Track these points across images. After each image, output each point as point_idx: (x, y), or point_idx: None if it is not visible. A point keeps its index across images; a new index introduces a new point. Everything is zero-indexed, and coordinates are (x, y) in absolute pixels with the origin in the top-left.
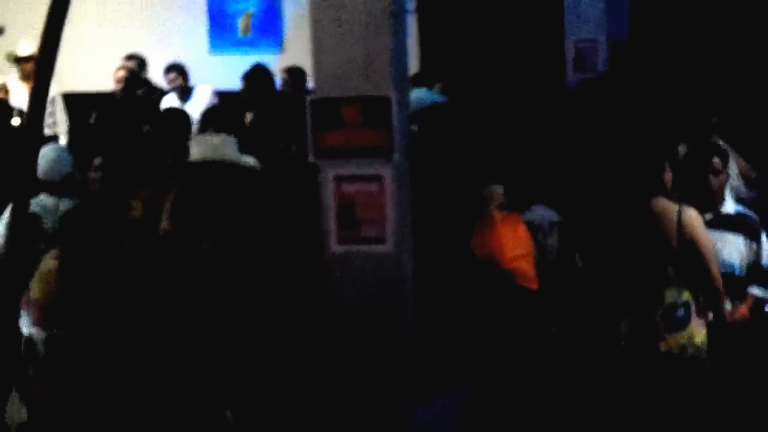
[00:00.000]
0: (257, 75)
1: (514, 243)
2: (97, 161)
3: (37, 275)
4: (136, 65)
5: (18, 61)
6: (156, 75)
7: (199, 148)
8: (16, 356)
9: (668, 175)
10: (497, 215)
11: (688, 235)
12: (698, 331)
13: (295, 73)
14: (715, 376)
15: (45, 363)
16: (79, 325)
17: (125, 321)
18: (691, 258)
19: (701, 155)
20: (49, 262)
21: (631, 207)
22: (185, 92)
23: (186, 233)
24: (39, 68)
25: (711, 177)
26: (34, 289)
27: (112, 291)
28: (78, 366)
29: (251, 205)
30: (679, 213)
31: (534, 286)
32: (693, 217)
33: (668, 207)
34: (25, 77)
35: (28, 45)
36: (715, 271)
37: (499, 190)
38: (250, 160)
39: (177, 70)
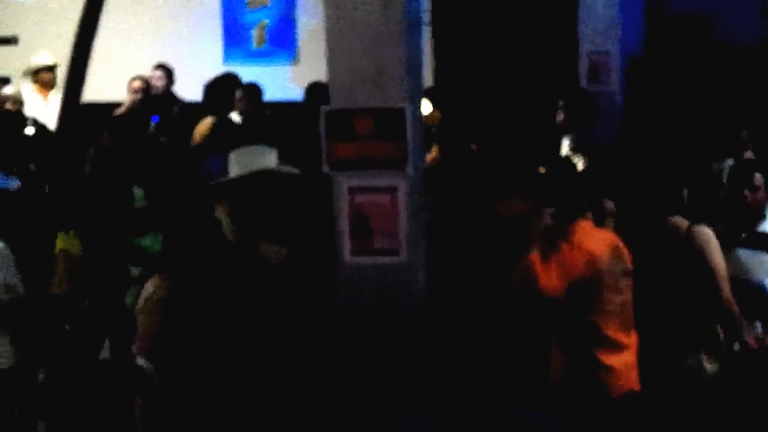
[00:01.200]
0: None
1: None
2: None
3: (142, 304)
4: (165, 75)
5: (35, 71)
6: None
7: (243, 160)
8: None
9: (688, 193)
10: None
11: (696, 252)
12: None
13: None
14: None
15: (160, 395)
16: (188, 355)
17: (233, 345)
18: (699, 277)
19: (740, 171)
20: (153, 291)
21: (648, 224)
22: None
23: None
24: (70, 81)
25: (749, 193)
26: (141, 320)
27: (220, 317)
28: (194, 398)
29: (301, 212)
30: (689, 230)
31: None
32: (703, 234)
33: (680, 224)
34: (41, 87)
35: (45, 55)
36: (726, 291)
37: (609, 204)
38: (292, 169)
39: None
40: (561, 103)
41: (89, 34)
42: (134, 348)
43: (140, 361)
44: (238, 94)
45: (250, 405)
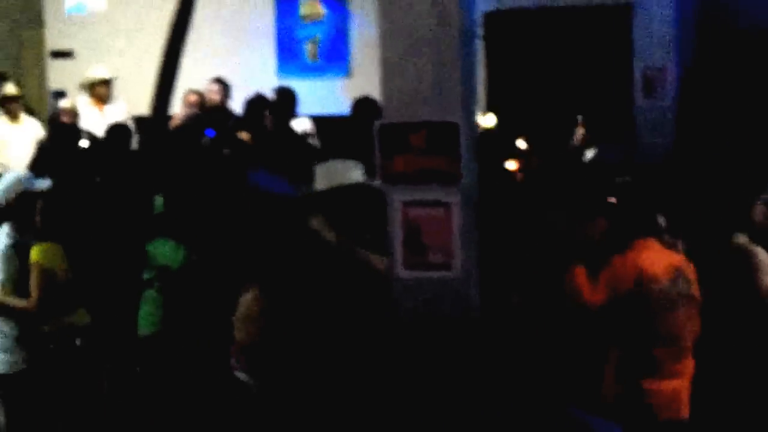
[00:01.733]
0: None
1: None
2: None
3: (239, 317)
4: (221, 89)
5: (91, 84)
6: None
7: (329, 174)
8: None
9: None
10: None
11: (747, 273)
12: None
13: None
14: None
15: (258, 409)
16: (288, 367)
17: (333, 354)
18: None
19: None
20: (250, 304)
21: (712, 243)
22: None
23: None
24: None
25: None
26: (238, 333)
27: (319, 327)
28: (293, 407)
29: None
30: (745, 251)
31: None
32: (757, 256)
33: (740, 245)
34: (96, 101)
35: (100, 69)
36: None
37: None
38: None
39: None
40: (580, 118)
41: (176, 50)
42: (232, 361)
43: (239, 374)
44: (267, 112)
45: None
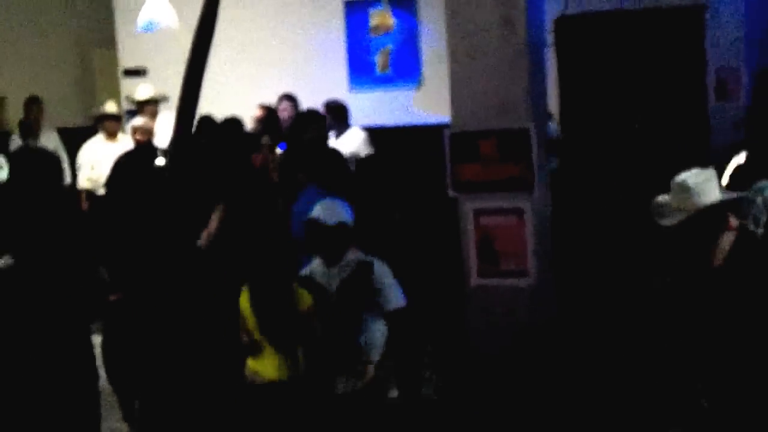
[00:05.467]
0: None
1: None
2: None
3: None
4: (291, 106)
5: (139, 104)
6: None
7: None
8: None
9: None
10: None
11: None
12: None
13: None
14: None
15: None
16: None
17: None
18: None
19: None
20: None
21: None
22: (341, 130)
23: None
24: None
25: None
26: None
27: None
28: None
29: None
30: None
31: None
32: None
33: None
34: (149, 118)
35: (147, 88)
36: None
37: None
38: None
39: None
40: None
41: (200, 64)
42: None
43: None
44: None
45: None
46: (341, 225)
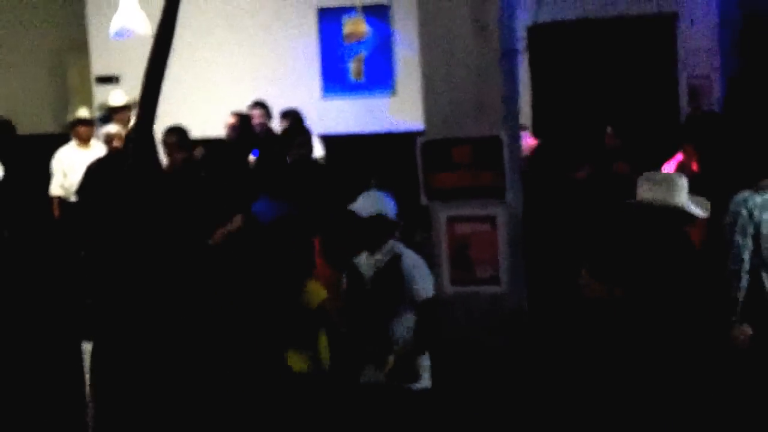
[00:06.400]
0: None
1: None
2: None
3: None
4: (263, 113)
5: (111, 111)
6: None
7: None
8: None
9: None
10: None
11: None
12: None
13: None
14: None
15: None
16: None
17: None
18: None
19: None
20: None
21: None
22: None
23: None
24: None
25: None
26: None
27: None
28: None
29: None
30: None
31: None
32: None
33: None
34: (121, 126)
35: (119, 95)
36: None
37: None
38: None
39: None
40: (609, 129)
41: (161, 64)
42: None
43: None
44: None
45: None
46: (377, 216)
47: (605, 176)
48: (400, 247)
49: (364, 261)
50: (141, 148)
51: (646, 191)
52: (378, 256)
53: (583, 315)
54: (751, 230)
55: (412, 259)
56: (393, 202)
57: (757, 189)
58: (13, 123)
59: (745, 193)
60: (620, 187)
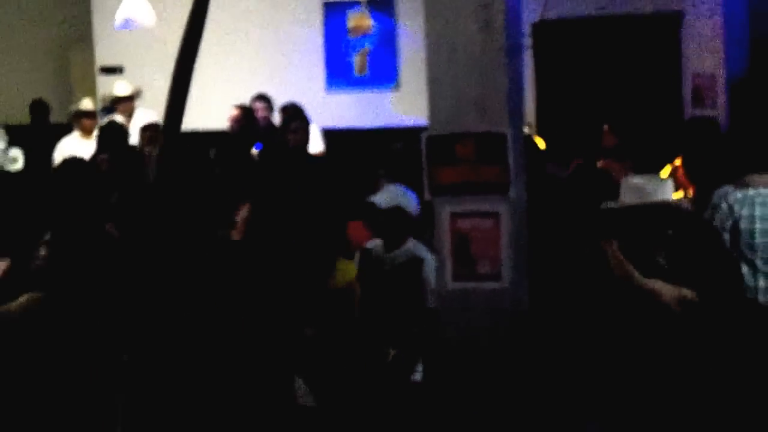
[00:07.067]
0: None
1: None
2: None
3: None
4: (266, 106)
5: (115, 101)
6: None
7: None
8: None
9: None
10: None
11: None
12: None
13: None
14: None
15: None
16: None
17: None
18: None
19: None
20: None
21: None
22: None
23: None
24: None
25: None
26: None
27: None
28: None
29: None
30: None
31: None
32: None
33: None
34: (124, 116)
35: (125, 85)
36: None
37: None
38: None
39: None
40: (606, 127)
41: (189, 62)
42: None
43: None
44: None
45: None
46: (395, 209)
47: (588, 172)
48: (423, 251)
49: (380, 252)
50: (166, 167)
51: (628, 195)
52: (395, 253)
53: (600, 303)
54: (729, 225)
55: (432, 266)
56: (415, 198)
57: (738, 185)
58: (16, 114)
59: (727, 188)
60: (600, 183)
